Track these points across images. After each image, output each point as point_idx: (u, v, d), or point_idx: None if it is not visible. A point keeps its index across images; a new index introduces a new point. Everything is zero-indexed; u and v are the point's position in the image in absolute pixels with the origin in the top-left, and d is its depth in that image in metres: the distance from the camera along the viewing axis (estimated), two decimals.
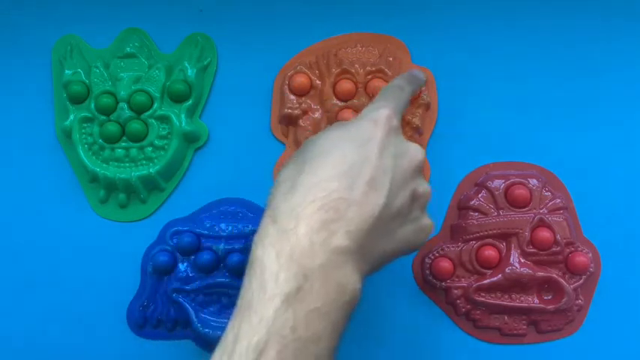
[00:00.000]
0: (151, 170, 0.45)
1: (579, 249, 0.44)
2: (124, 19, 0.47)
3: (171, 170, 0.46)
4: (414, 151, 0.35)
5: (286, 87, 0.46)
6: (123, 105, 0.45)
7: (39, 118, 0.47)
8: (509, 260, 0.43)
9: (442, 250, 0.44)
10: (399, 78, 0.40)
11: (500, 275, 0.43)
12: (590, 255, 0.44)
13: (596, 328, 0.44)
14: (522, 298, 0.43)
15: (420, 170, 0.35)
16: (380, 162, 0.33)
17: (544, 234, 0.43)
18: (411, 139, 0.45)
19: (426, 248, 0.45)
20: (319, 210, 0.30)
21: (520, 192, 0.44)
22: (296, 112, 0.45)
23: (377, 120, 0.34)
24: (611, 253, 0.45)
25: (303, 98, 0.46)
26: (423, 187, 0.35)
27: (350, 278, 0.31)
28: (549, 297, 0.43)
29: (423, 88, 0.45)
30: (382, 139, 0.33)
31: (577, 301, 0.44)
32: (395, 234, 0.34)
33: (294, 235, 0.30)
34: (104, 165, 0.45)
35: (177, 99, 0.46)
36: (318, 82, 0.46)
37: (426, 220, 0.36)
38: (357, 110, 0.45)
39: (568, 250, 0.43)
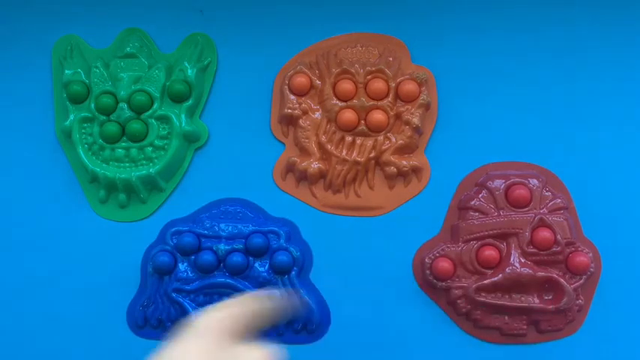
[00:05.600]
0: (150, 170, 0.45)
1: (580, 249, 0.44)
2: (124, 19, 0.47)
3: (171, 170, 0.46)
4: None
5: (286, 87, 0.46)
6: (123, 105, 0.45)
7: (39, 118, 0.47)
8: (510, 260, 0.43)
9: (442, 250, 0.44)
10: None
11: (500, 275, 0.43)
12: (591, 255, 0.44)
13: (596, 328, 0.44)
14: (522, 298, 0.43)
15: None
16: None
17: (544, 234, 0.43)
18: (411, 139, 0.45)
19: (427, 248, 0.45)
20: None
21: (520, 192, 0.44)
22: (296, 112, 0.45)
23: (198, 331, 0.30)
24: (612, 253, 0.45)
25: (303, 98, 0.46)
26: None
27: None
28: (549, 297, 0.43)
29: (423, 89, 0.45)
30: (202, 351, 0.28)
31: (577, 301, 0.44)
32: None
33: None
34: (104, 165, 0.45)
35: (177, 99, 0.46)
36: (318, 82, 0.46)
37: None
38: (357, 110, 0.45)
39: (568, 250, 0.43)
